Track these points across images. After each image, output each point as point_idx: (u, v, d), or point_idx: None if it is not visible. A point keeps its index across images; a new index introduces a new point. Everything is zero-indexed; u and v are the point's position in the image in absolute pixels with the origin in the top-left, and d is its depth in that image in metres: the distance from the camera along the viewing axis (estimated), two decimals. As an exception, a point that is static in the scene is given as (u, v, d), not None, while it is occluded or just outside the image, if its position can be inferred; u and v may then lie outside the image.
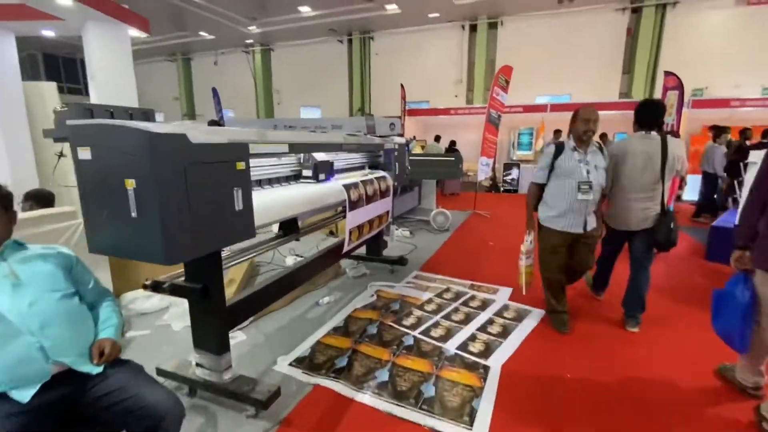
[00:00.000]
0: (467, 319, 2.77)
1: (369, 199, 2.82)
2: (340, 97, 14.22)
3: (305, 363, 2.21)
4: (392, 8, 10.91)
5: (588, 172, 2.43)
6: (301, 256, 4.04)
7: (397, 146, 3.46)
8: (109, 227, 1.39)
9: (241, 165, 1.57)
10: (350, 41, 13.71)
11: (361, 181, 2.75)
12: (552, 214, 2.54)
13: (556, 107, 9.87)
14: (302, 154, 2.49)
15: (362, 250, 3.77)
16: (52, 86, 3.74)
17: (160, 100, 18.11)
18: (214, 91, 12.38)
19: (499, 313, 2.88)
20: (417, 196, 6.71)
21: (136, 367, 1.34)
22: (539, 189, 2.63)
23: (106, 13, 3.29)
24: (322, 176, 2.50)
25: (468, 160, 10.68)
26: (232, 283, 3.10)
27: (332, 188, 2.50)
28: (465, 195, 9.19)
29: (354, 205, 2.59)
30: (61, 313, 1.22)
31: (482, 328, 2.64)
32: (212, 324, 1.73)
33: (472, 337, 2.52)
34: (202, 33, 13.89)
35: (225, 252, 2.00)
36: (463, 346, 2.40)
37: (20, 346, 1.13)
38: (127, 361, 1.34)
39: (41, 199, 2.58)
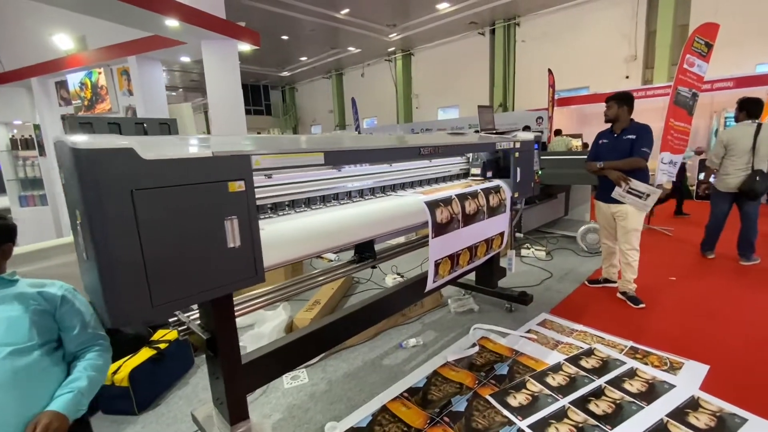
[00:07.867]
0: (618, 416, 1.74)
1: (468, 219, 2.09)
2: (479, 95, 13.29)
3: (358, 440, 1.68)
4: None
5: None
6: (402, 276, 3.53)
7: (518, 145, 2.58)
8: (82, 268, 1.14)
9: (236, 186, 1.13)
10: (492, 32, 12.67)
11: (457, 195, 2.05)
12: None
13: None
14: (471, 154, 2.52)
15: (472, 276, 3.01)
16: (188, 107, 4.33)
17: (318, 113, 20.62)
18: (353, 101, 13.15)
19: (679, 415, 1.73)
20: (563, 204, 5.38)
21: None
22: None
23: (216, 30, 3.49)
24: (489, 174, 2.49)
25: (642, 157, 8.34)
26: (317, 306, 2.82)
27: (412, 205, 1.90)
28: (635, 202, 7.10)
29: (442, 228, 1.92)
30: (-3, 377, 1.00)
31: (645, 441, 1.60)
32: (222, 387, 1.36)
33: (624, 455, 1.53)
34: (350, 48, 15.04)
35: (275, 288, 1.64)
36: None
37: None
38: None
39: None
